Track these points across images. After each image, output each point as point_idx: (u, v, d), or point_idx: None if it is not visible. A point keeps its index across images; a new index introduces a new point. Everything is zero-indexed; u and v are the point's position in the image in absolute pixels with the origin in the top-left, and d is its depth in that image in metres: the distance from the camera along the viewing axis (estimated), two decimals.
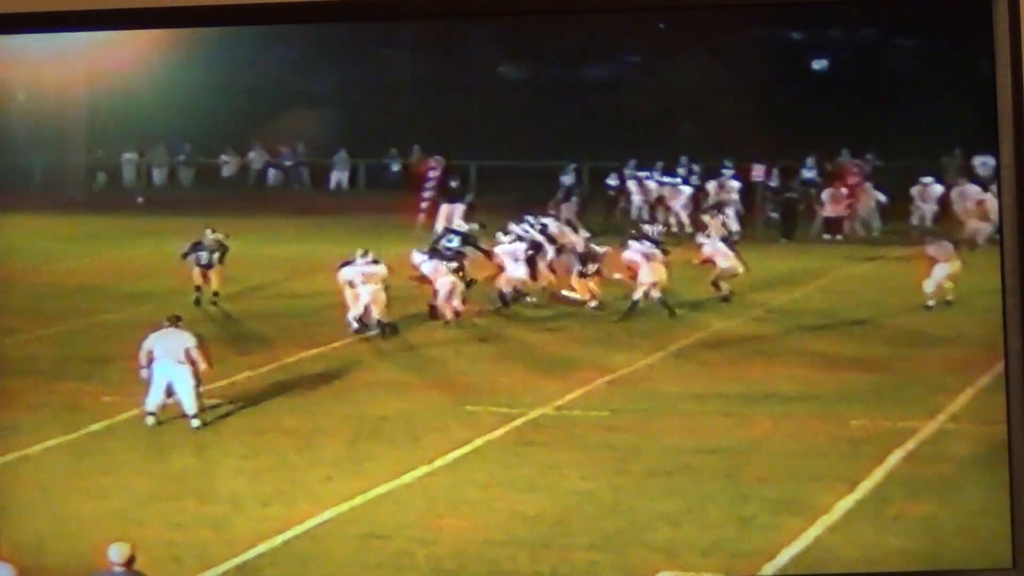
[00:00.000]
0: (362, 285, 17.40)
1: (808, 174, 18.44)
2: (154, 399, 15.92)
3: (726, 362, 16.57)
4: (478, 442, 15.44)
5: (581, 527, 14.17)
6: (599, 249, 18.08)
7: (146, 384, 15.90)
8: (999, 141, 13.28)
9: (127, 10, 13.82)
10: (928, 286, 16.91)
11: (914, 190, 17.95)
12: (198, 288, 17.87)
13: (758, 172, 18.36)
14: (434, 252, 17.96)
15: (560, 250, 18.31)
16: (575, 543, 13.97)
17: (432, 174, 18.59)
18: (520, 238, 18.25)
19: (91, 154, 18.25)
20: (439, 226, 18.58)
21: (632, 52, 16.93)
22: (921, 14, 15.09)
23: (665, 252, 17.91)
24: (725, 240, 18.25)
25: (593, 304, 17.84)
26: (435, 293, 17.72)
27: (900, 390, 15.57)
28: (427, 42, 16.80)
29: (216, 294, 17.90)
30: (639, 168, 18.90)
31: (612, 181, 19.14)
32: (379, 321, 17.43)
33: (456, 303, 17.68)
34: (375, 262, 17.45)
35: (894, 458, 14.84)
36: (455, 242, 18.21)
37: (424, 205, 18.71)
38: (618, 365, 16.64)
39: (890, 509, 14.22)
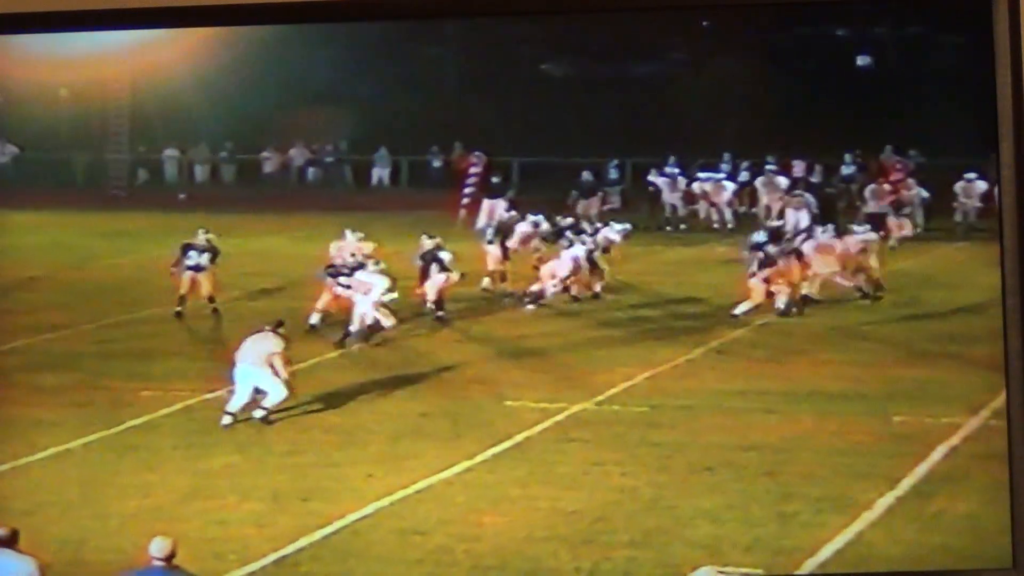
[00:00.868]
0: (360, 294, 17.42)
1: (847, 170, 18.36)
2: (237, 401, 15.88)
3: (768, 358, 16.53)
4: (519, 438, 15.44)
5: (622, 524, 14.13)
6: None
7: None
8: (999, 141, 13.21)
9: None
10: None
11: (957, 186, 17.83)
12: (182, 299, 17.60)
13: (798, 168, 18.29)
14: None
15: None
16: (616, 540, 13.93)
17: (474, 170, 18.59)
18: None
19: (133, 151, 18.34)
20: (481, 222, 18.60)
21: (675, 49, 16.93)
22: (965, 11, 15.00)
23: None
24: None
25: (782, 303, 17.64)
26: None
27: (944, 386, 15.49)
28: (469, 40, 16.81)
29: (212, 299, 17.75)
30: (680, 165, 18.86)
31: (653, 177, 19.10)
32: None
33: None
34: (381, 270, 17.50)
35: (937, 455, 14.78)
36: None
37: (465, 201, 18.74)
38: (660, 360, 16.61)
39: (932, 506, 14.16)
